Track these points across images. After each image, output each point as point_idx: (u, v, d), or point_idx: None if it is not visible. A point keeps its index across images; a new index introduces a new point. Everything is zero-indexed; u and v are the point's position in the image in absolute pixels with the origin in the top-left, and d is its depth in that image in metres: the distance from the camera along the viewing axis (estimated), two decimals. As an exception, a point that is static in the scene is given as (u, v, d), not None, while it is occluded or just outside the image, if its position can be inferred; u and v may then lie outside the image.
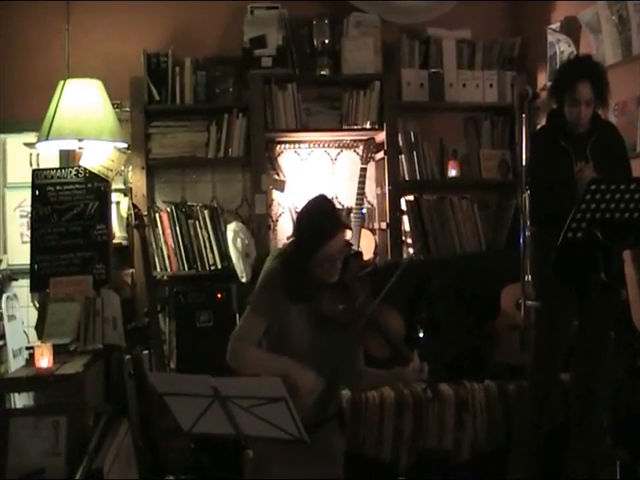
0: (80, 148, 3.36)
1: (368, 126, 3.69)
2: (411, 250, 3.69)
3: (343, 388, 2.55)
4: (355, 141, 3.85)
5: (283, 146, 3.84)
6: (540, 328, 2.55)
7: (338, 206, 3.83)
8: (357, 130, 3.72)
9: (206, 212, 3.63)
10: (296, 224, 2.05)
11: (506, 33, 3.95)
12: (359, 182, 3.67)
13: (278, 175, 3.82)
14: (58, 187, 3.34)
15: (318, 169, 3.89)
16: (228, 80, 3.65)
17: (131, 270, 3.54)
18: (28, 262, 3.30)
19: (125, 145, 3.48)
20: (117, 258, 3.47)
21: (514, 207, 3.68)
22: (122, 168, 3.52)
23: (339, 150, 3.91)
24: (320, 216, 1.97)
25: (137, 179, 3.58)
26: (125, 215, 3.57)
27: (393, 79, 3.69)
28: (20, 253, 3.57)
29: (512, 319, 3.05)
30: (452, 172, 3.80)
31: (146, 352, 3.03)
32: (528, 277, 2.31)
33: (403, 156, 3.74)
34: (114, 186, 3.51)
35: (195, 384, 1.67)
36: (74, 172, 3.36)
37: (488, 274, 3.30)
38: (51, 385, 2.57)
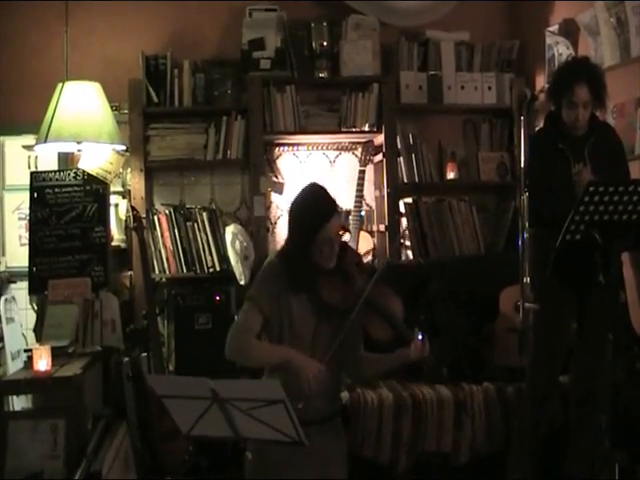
0: (79, 150, 3.37)
1: (367, 128, 3.69)
2: (410, 253, 3.69)
3: (346, 382, 2.62)
4: (354, 143, 3.86)
5: (282, 148, 3.84)
6: (539, 330, 2.52)
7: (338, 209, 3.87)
8: (356, 132, 3.71)
9: (204, 214, 3.63)
10: (290, 213, 2.06)
11: (505, 35, 3.96)
12: (357, 184, 3.67)
13: (277, 177, 3.82)
14: (57, 189, 3.34)
15: (317, 171, 3.88)
16: (227, 82, 3.65)
17: (130, 272, 3.53)
18: (26, 264, 3.31)
19: (124, 147, 3.49)
20: (115, 260, 3.47)
21: (513, 209, 3.68)
22: (120, 170, 3.53)
23: (338, 152, 3.92)
24: (315, 200, 2.01)
25: (136, 181, 3.58)
26: (123, 217, 3.56)
27: (392, 81, 3.69)
28: (18, 255, 3.55)
29: (511, 321, 3.05)
30: (451, 174, 3.80)
31: (145, 355, 3.04)
32: (527, 279, 2.27)
33: (402, 158, 3.74)
34: (112, 188, 3.51)
35: (194, 386, 1.67)
36: (73, 174, 3.36)
37: (487, 276, 3.32)
38: (49, 388, 2.57)
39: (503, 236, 3.75)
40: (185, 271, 3.57)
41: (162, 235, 3.59)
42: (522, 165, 2.37)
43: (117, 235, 3.58)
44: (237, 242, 3.51)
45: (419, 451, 2.86)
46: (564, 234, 2.29)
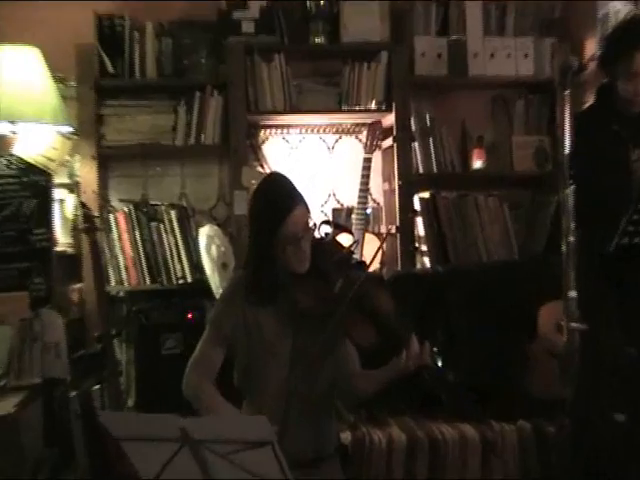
0: (13, 133, 3.34)
1: (373, 107, 3.70)
2: (426, 259, 3.69)
3: (349, 420, 2.68)
4: (357, 125, 3.88)
5: (269, 131, 3.86)
6: (586, 356, 2.48)
7: (336, 205, 3.93)
8: (360, 112, 3.72)
9: (173, 213, 3.63)
10: (248, 211, 2.16)
11: (544, -11, 3.97)
12: (362, 176, 3.68)
13: (262, 167, 3.83)
14: (-16, 182, 3.33)
15: (312, 160, 3.91)
16: (200, 50, 3.65)
17: (79, 285, 3.54)
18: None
19: (71, 129, 3.48)
20: (61, 270, 3.46)
21: (554, 206, 3.60)
22: (67, 158, 3.54)
23: (337, 136, 3.94)
24: (271, 191, 2.10)
25: (86, 172, 3.57)
26: (71, 216, 3.57)
27: (404, 49, 3.69)
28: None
29: (552, 344, 2.89)
30: (477, 163, 3.82)
31: (98, 387, 3.01)
32: (572, 293, 2.28)
33: (416, 144, 3.76)
34: (57, 180, 3.51)
35: (159, 425, 1.65)
36: (5, 163, 3.33)
37: (522, 289, 3.28)
38: (-26, 431, 2.56)
39: (542, 239, 3.73)
40: (149, 283, 3.58)
41: (120, 238, 3.59)
42: (566, 151, 2.34)
43: (63, 238, 3.57)
44: (213, 247, 3.52)
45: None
46: (620, 236, 2.29)
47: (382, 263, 3.73)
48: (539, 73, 3.83)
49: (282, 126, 3.84)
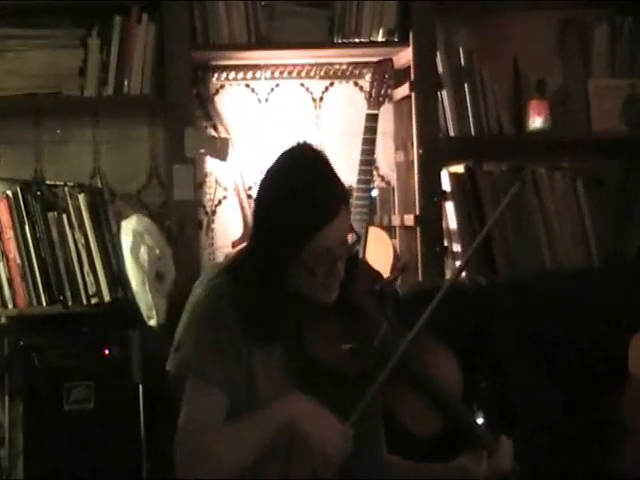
0: None
1: (380, 38, 3.69)
2: (459, 264, 3.66)
3: None
4: (357, 66, 3.90)
5: (225, 76, 3.85)
6: None
7: None
8: (361, 46, 3.72)
9: (82, 198, 3.56)
10: (261, 204, 2.12)
11: None
12: (364, 141, 3.64)
13: (216, 129, 3.82)
14: None
15: (290, 117, 3.90)
16: (121, -48, 3.64)
17: None
18: None
19: None
20: None
21: None
22: None
23: (328, 83, 3.93)
24: (307, 182, 2.03)
25: (-53, 136, 3.65)
26: None
27: (426, -48, 3.70)
28: None
29: None
30: (536, 121, 3.79)
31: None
32: None
33: (445, 93, 3.74)
34: None
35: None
36: None
37: (605, 309, 3.31)
38: None
39: (636, 236, 3.78)
40: (45, 304, 3.53)
41: (0, 237, 3.55)
42: None
43: None
44: (143, 248, 3.46)
45: None
46: None
47: (395, 270, 3.65)
48: (630, -13, 3.89)
49: (245, 67, 3.84)
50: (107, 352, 3.39)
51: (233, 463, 1.98)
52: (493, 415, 3.05)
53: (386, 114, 3.81)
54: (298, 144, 2.12)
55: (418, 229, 3.64)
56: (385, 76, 3.68)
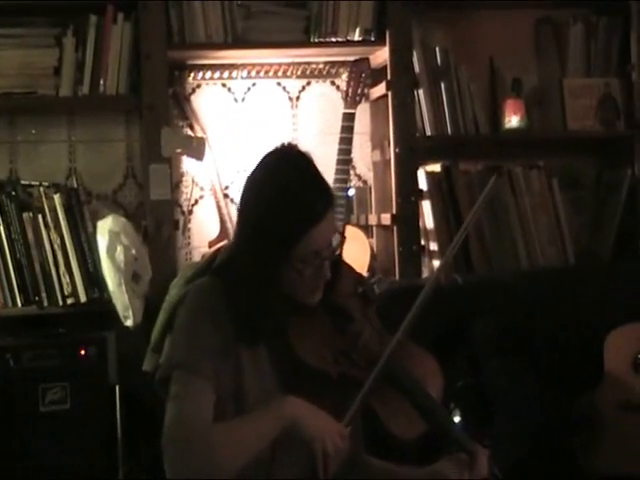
0: None
1: (357, 37, 3.71)
2: (437, 263, 3.70)
3: None
4: (334, 66, 3.90)
5: (201, 75, 3.85)
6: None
7: None
8: (337, 46, 3.73)
9: (57, 198, 3.56)
10: (245, 205, 2.12)
11: None
12: (341, 140, 3.66)
13: (192, 129, 3.84)
14: None
15: (266, 117, 3.90)
16: (97, -49, 3.60)
17: None
18: None
19: None
20: None
21: (628, 183, 3.72)
22: None
23: (305, 82, 3.96)
24: (294, 184, 2.05)
25: None
26: None
27: (403, -50, 3.69)
28: None
29: (627, 391, 3.07)
30: (512, 121, 3.82)
31: None
32: None
33: (422, 92, 3.76)
34: None
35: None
36: None
37: (581, 307, 3.34)
38: None
39: (611, 234, 3.77)
40: (21, 304, 3.52)
41: None
42: None
43: None
44: (119, 249, 3.47)
45: None
46: None
47: (371, 270, 3.75)
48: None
49: (222, 67, 3.84)
50: (83, 353, 3.36)
51: (229, 463, 1.95)
52: (470, 413, 3.07)
53: (363, 113, 3.82)
54: (283, 145, 2.13)
55: (395, 228, 3.66)
56: (362, 75, 3.69)
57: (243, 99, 3.88)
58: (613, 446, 3.04)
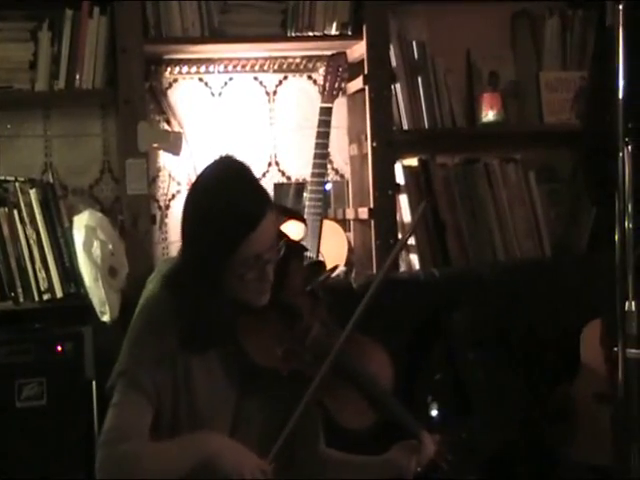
0: None
1: (334, 32, 3.72)
2: (415, 258, 3.71)
3: None
4: (310, 60, 3.92)
5: (178, 69, 3.85)
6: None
7: (280, 179, 3.97)
8: (314, 40, 3.74)
9: (33, 193, 3.55)
10: (187, 216, 2.16)
11: None
12: (318, 135, 3.68)
13: (169, 124, 3.84)
14: None
15: (243, 111, 3.91)
16: (71, -56, 3.60)
17: None
18: None
19: None
20: None
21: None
22: None
23: (281, 76, 3.96)
24: (229, 191, 2.11)
25: None
26: None
27: (378, -56, 3.70)
28: None
29: (601, 382, 3.04)
30: (489, 114, 3.83)
31: None
32: (631, 305, 2.27)
33: (399, 86, 3.77)
34: None
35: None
36: None
37: (557, 300, 3.35)
38: None
39: (586, 227, 3.80)
40: None
41: None
42: (620, 93, 2.37)
43: None
44: (96, 244, 3.47)
45: None
46: None
47: (349, 263, 3.77)
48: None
49: (198, 61, 3.84)
50: (59, 348, 3.36)
51: (142, 477, 2.03)
52: (448, 406, 3.07)
53: (340, 107, 3.83)
54: (220, 157, 2.21)
55: (372, 222, 3.67)
56: (339, 69, 3.70)
57: (220, 93, 3.89)
58: (589, 437, 3.07)
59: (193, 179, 3.69)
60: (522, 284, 3.45)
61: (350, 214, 3.90)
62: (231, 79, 3.89)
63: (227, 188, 2.11)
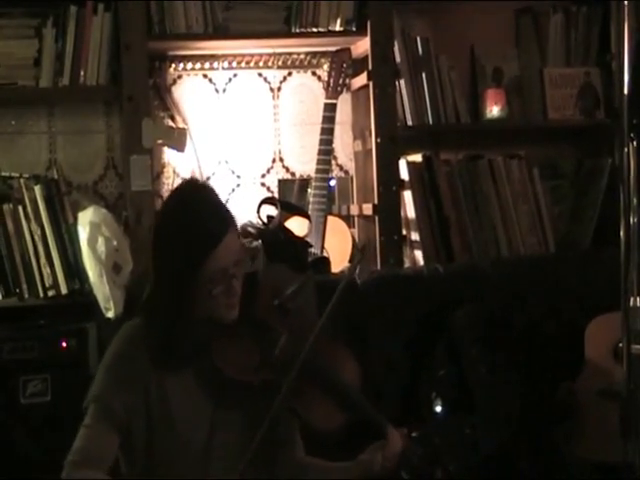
0: None
1: (338, 28, 3.72)
2: (419, 254, 3.70)
3: None
4: (315, 56, 3.93)
5: (182, 66, 3.86)
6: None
7: (284, 175, 3.99)
8: (318, 36, 3.74)
9: (38, 189, 3.54)
10: (155, 234, 2.26)
11: None
12: (323, 131, 3.68)
13: (173, 120, 3.84)
14: None
15: (248, 107, 3.91)
16: (76, -58, 3.58)
17: None
18: None
19: None
20: None
21: (607, 172, 3.73)
22: None
23: (285, 73, 3.96)
24: (192, 209, 2.20)
25: None
26: None
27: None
28: None
29: (606, 378, 3.05)
30: (493, 110, 3.84)
31: None
32: (636, 301, 2.32)
33: (403, 82, 3.77)
34: None
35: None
36: None
37: (561, 296, 3.33)
38: None
39: (591, 222, 3.78)
40: (1, 296, 3.52)
41: None
42: (625, 90, 2.37)
43: None
44: (100, 240, 3.47)
45: None
46: None
47: (353, 260, 3.75)
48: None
49: (203, 58, 3.85)
50: (64, 345, 3.36)
51: None
52: (451, 402, 3.11)
53: (344, 103, 3.84)
54: (184, 181, 2.34)
55: (376, 218, 3.68)
56: (343, 65, 3.71)
57: (224, 90, 3.89)
58: (594, 434, 3.04)
59: (197, 175, 3.73)
60: (526, 280, 3.44)
61: (354, 210, 3.90)
62: (235, 75, 3.89)
63: (192, 209, 2.20)
